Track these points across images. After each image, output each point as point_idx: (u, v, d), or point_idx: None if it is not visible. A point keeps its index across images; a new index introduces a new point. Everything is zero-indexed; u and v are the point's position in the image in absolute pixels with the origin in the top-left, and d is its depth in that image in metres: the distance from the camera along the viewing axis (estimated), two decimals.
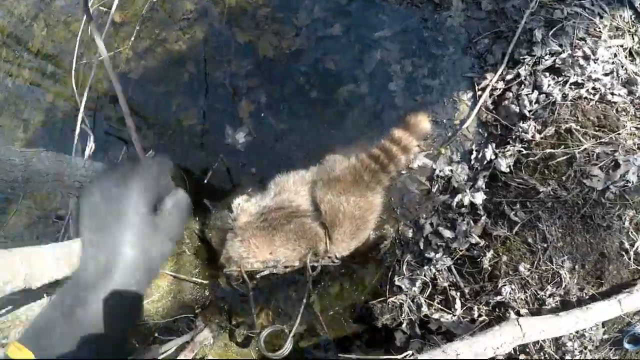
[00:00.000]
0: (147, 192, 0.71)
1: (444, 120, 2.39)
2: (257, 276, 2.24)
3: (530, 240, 2.16)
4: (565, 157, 2.22)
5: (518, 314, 2.14)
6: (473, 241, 2.21)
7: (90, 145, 2.44)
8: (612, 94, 2.37)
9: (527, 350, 2.13)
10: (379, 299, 2.29)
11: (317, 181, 2.20)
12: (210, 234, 2.42)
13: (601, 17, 2.52)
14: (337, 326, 2.34)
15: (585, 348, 2.15)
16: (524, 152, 2.28)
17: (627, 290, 2.08)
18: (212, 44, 2.59)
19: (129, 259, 0.68)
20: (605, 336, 2.15)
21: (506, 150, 2.31)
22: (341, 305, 2.35)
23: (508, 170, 2.29)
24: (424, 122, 2.19)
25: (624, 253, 2.13)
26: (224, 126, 2.51)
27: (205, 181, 2.43)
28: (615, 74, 2.42)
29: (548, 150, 2.25)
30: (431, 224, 2.30)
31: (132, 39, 2.66)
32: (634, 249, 2.13)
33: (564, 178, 2.20)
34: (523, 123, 2.33)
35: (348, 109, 2.42)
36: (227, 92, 2.54)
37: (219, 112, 2.55)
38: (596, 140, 2.25)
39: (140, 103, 2.65)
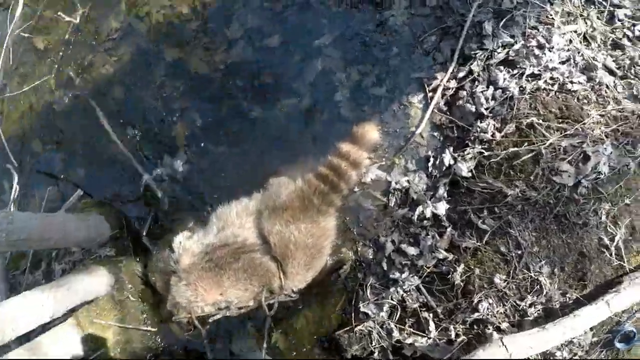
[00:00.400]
0: None
1: (396, 129, 2.20)
2: (210, 320, 2.01)
3: (502, 248, 1.97)
4: (530, 155, 2.05)
5: (498, 329, 1.93)
6: (440, 256, 2.01)
7: (15, 187, 2.17)
8: (572, 82, 2.22)
9: None
10: (345, 329, 2.06)
11: (263, 210, 1.99)
12: (153, 277, 2.17)
13: (552, 4, 2.39)
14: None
15: (575, 355, 1.95)
16: (485, 153, 2.10)
17: (613, 290, 1.89)
18: (140, 65, 2.38)
19: None
20: (595, 339, 1.97)
21: (465, 153, 2.12)
22: (307, 339, 2.11)
23: (470, 174, 2.10)
24: (371, 132, 2.01)
25: (604, 249, 1.96)
26: (159, 155, 2.28)
27: (144, 233, 2.20)
28: (572, 61, 2.28)
29: (511, 149, 2.07)
30: (392, 241, 2.09)
31: (56, 66, 2.44)
32: (615, 243, 1.96)
33: (531, 177, 2.02)
34: (481, 122, 2.15)
35: (291, 126, 2.22)
36: (160, 117, 2.32)
37: (153, 140, 2.32)
38: (561, 133, 2.08)
39: (68, 137, 2.41)
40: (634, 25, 2.47)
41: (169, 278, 2.05)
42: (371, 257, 2.11)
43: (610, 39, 2.41)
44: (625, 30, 2.46)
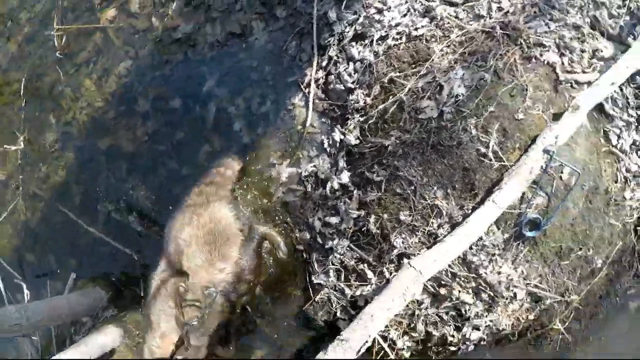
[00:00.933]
0: None
1: (289, 130, 2.59)
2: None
3: (398, 190, 2.31)
4: (395, 105, 2.38)
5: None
6: (354, 215, 2.37)
7: (26, 293, 2.78)
8: (416, 29, 2.53)
9: (443, 282, 2.25)
10: (309, 303, 2.47)
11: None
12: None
13: None
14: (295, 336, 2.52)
15: (493, 255, 2.25)
16: (363, 119, 2.45)
17: (496, 188, 2.18)
18: (85, 161, 2.91)
19: None
20: (506, 235, 2.25)
21: (349, 125, 2.49)
22: (285, 321, 2.53)
23: (358, 141, 2.46)
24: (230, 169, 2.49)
25: (483, 158, 2.25)
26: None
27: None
28: (412, 10, 2.58)
29: (380, 107, 2.42)
30: (319, 218, 2.47)
31: (20, 189, 3.05)
32: (490, 149, 2.25)
33: (401, 123, 2.35)
34: (352, 95, 2.51)
35: (210, 164, 2.67)
36: (117, 198, 2.84)
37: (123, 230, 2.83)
38: (416, 77, 2.40)
39: (51, 240, 2.98)
40: None
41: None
42: (308, 237, 2.51)
43: None
44: None
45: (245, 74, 2.71)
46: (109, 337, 2.43)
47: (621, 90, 2.73)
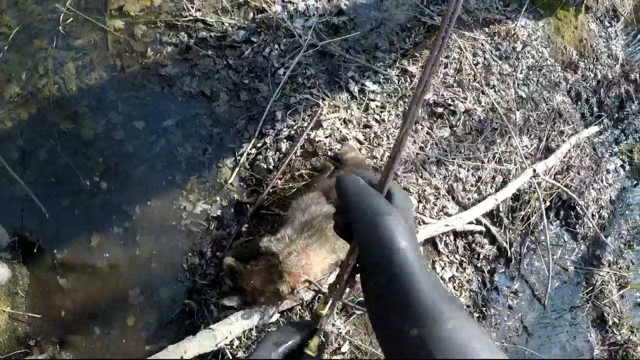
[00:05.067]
0: None
1: (214, 181, 3.38)
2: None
3: None
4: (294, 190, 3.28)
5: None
6: None
7: None
8: (330, 149, 3.52)
9: None
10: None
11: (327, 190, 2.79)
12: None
13: (324, 100, 3.74)
14: None
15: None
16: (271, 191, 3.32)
17: None
18: (37, 125, 3.41)
19: None
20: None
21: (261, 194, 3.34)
22: None
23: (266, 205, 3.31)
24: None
25: None
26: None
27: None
28: (333, 135, 3.59)
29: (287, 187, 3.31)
30: (211, 251, 3.21)
31: None
32: None
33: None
34: (270, 174, 3.39)
35: (147, 182, 3.35)
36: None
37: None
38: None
39: None
40: (381, 111, 3.88)
41: (267, 263, 2.57)
42: (197, 262, 3.21)
43: (363, 121, 3.78)
44: (375, 115, 3.86)
45: (199, 127, 3.51)
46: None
47: (455, 240, 3.88)
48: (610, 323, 4.66)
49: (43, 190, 3.19)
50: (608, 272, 4.79)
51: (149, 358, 2.50)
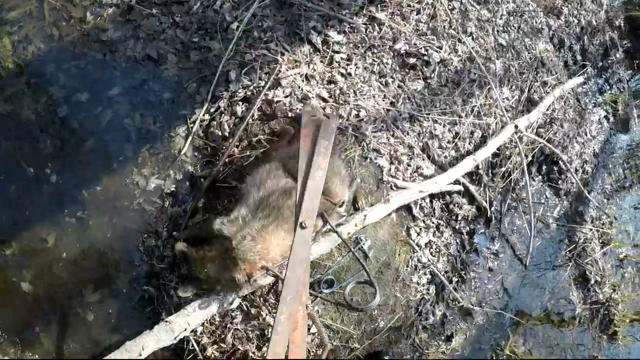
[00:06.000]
0: None
1: (166, 152, 3.07)
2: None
3: None
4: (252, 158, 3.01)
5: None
6: None
7: None
8: (291, 110, 3.21)
9: (255, 304, 2.81)
10: None
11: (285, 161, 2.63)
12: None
13: (283, 55, 3.39)
14: None
15: None
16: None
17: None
18: None
19: None
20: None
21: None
22: None
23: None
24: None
25: None
26: None
27: None
28: (293, 94, 3.28)
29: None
30: (166, 230, 2.95)
31: None
32: None
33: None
34: (225, 142, 3.09)
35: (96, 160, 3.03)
36: None
37: None
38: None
39: None
40: (347, 64, 3.55)
41: (222, 247, 2.38)
42: (154, 244, 2.94)
43: (327, 77, 3.46)
44: (340, 69, 3.53)
45: (147, 94, 3.17)
46: None
47: (431, 202, 3.65)
48: (593, 281, 4.54)
49: None
50: (591, 229, 4.64)
51: (104, 358, 2.32)
